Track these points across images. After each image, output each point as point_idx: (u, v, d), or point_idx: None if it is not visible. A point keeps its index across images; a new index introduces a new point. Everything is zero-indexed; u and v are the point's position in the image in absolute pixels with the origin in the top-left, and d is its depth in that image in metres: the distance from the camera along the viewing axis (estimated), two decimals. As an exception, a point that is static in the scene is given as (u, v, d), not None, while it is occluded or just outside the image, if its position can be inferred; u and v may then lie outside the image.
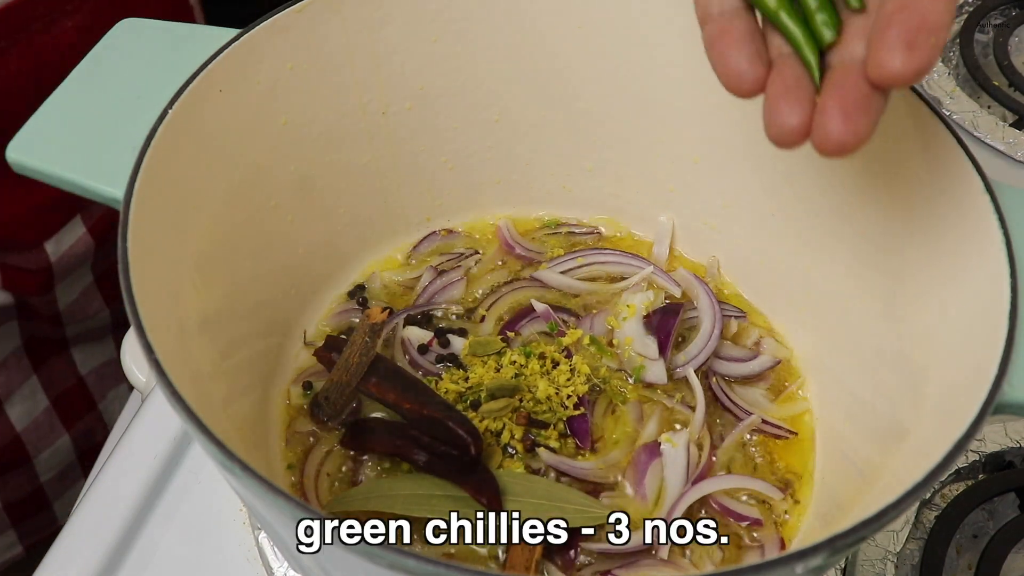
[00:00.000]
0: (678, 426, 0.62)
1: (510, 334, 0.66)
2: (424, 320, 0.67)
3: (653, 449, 0.60)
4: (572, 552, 0.56)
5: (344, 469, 0.60)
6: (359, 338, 0.57)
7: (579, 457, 0.60)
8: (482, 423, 0.59)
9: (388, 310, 0.66)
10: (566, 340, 0.64)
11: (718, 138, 0.65)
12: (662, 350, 0.64)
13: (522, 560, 0.54)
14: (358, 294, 0.69)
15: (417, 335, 0.65)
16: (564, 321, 0.67)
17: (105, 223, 1.00)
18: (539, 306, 0.67)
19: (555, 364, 0.63)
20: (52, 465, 1.09)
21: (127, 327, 1.05)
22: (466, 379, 0.62)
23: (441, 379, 0.62)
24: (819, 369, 0.65)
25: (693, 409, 0.62)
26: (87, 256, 1.00)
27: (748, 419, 0.62)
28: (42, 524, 1.13)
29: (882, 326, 0.57)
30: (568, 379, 0.62)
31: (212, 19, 1.05)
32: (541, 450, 0.59)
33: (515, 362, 0.62)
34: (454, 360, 0.64)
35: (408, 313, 0.67)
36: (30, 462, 1.07)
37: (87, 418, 1.12)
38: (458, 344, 0.65)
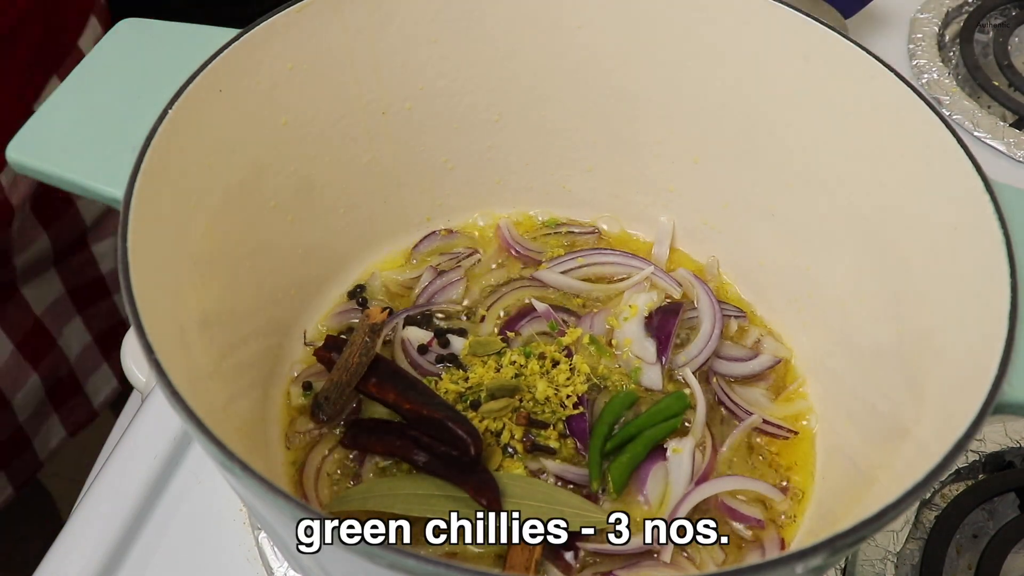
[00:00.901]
0: (686, 423, 0.62)
1: (510, 334, 0.66)
2: (424, 320, 0.67)
3: (655, 453, 0.60)
4: (572, 553, 0.56)
5: (344, 469, 0.60)
6: (359, 338, 0.57)
7: (582, 463, 0.60)
8: (482, 423, 0.59)
9: (388, 310, 0.66)
10: (566, 339, 0.64)
11: (718, 138, 0.65)
12: (662, 351, 0.64)
13: (522, 560, 0.54)
14: (358, 294, 0.69)
15: (417, 335, 0.65)
16: (564, 321, 0.67)
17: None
18: (539, 305, 0.67)
19: (555, 364, 0.63)
20: (26, 404, 1.10)
21: (69, 256, 1.06)
22: (466, 379, 0.62)
23: (441, 379, 0.62)
24: (819, 369, 0.65)
25: (694, 408, 0.62)
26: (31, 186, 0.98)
27: (749, 419, 0.62)
28: (28, 464, 1.14)
29: (882, 326, 0.57)
30: (568, 378, 0.62)
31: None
32: (544, 458, 0.59)
33: (515, 362, 0.62)
34: (454, 360, 0.64)
35: (408, 313, 0.67)
36: (9, 406, 1.08)
37: (50, 356, 1.13)
38: (458, 344, 0.65)
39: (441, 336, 0.65)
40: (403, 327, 0.66)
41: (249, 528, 0.62)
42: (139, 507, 0.62)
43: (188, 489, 0.64)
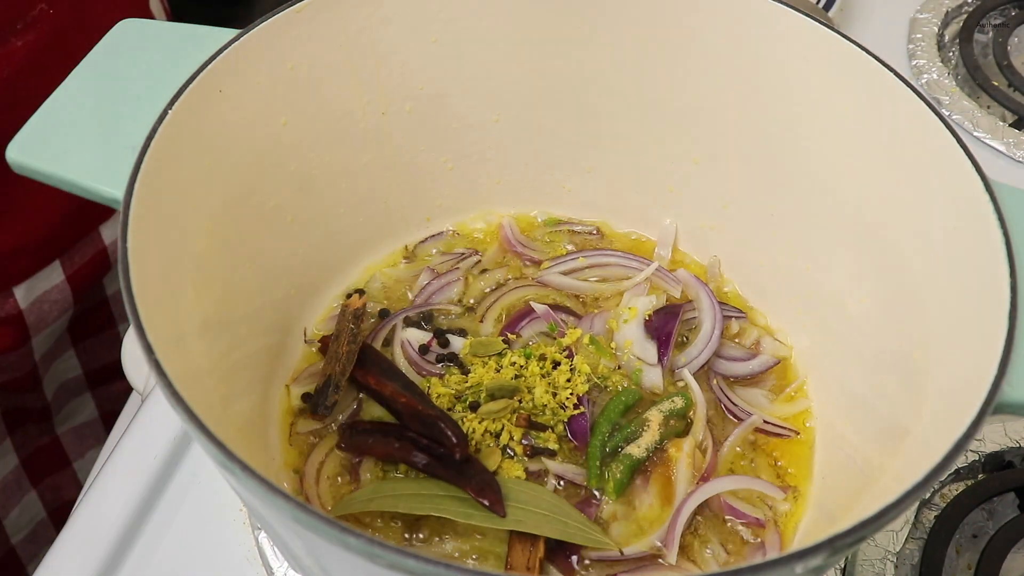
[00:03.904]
0: (688, 424, 0.62)
1: (511, 335, 0.66)
2: (424, 320, 0.67)
3: (656, 454, 0.60)
4: (576, 556, 0.56)
5: (345, 470, 0.60)
6: (343, 327, 0.58)
7: (582, 463, 0.59)
8: (481, 424, 0.59)
9: (362, 292, 0.66)
10: (566, 340, 0.64)
11: (718, 138, 0.65)
12: (662, 353, 0.64)
13: (523, 560, 0.54)
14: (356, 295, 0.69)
15: (417, 336, 0.65)
16: (564, 321, 0.67)
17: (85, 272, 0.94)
18: (539, 307, 0.67)
19: (555, 365, 0.63)
20: (20, 525, 1.05)
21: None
22: (465, 380, 0.62)
23: (442, 379, 0.62)
24: (819, 369, 0.65)
25: (694, 409, 0.62)
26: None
27: (749, 419, 0.62)
28: None
29: (882, 326, 0.57)
30: (568, 380, 0.62)
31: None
32: (545, 458, 0.59)
33: (515, 363, 0.62)
34: (454, 360, 0.64)
35: (407, 314, 0.67)
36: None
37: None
38: (458, 344, 0.65)
39: (441, 336, 0.65)
40: (403, 328, 0.66)
41: (249, 528, 0.62)
42: (139, 507, 0.62)
43: (188, 489, 0.64)
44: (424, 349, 0.65)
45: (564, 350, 0.64)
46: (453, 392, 0.61)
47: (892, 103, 0.54)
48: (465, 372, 0.63)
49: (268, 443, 0.61)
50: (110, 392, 1.08)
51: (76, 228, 0.92)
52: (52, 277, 0.91)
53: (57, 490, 1.07)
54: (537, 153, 0.71)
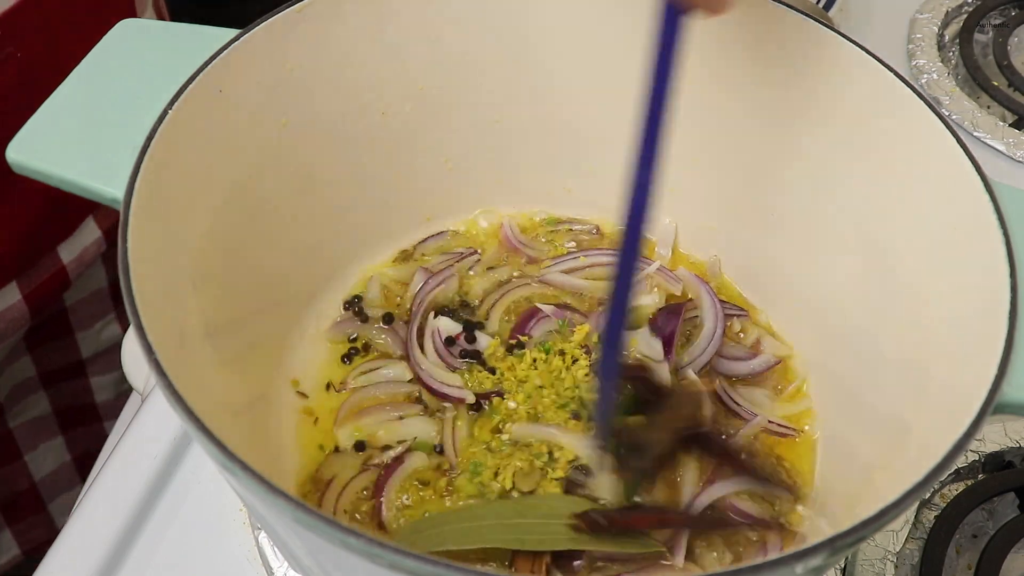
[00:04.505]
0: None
1: (522, 337, 0.65)
2: (459, 309, 0.67)
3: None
4: (581, 561, 0.55)
5: (350, 470, 0.60)
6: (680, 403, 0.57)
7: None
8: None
9: (359, 299, 0.66)
10: (576, 337, 0.64)
11: (718, 138, 0.65)
12: (667, 351, 0.64)
13: (527, 565, 0.53)
14: (356, 304, 0.68)
15: (448, 326, 0.65)
16: (569, 320, 0.67)
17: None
18: (546, 307, 0.67)
19: (575, 360, 0.62)
20: None
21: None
22: (497, 378, 0.62)
23: (466, 374, 0.62)
24: (820, 368, 0.65)
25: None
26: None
27: (755, 420, 0.62)
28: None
29: (882, 326, 0.57)
30: (586, 374, 0.61)
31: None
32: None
33: (535, 360, 0.62)
34: (478, 357, 0.64)
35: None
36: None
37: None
38: (484, 342, 0.64)
39: (469, 331, 0.65)
40: (435, 317, 0.66)
41: (249, 528, 0.62)
42: (139, 507, 0.62)
43: (188, 489, 0.64)
44: (450, 341, 0.64)
45: (583, 347, 0.63)
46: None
47: (892, 103, 0.54)
48: (491, 371, 0.63)
49: (268, 443, 0.61)
50: (65, 389, 1.08)
51: (34, 249, 0.91)
52: (9, 297, 0.90)
53: (9, 482, 1.08)
54: (537, 153, 0.71)
